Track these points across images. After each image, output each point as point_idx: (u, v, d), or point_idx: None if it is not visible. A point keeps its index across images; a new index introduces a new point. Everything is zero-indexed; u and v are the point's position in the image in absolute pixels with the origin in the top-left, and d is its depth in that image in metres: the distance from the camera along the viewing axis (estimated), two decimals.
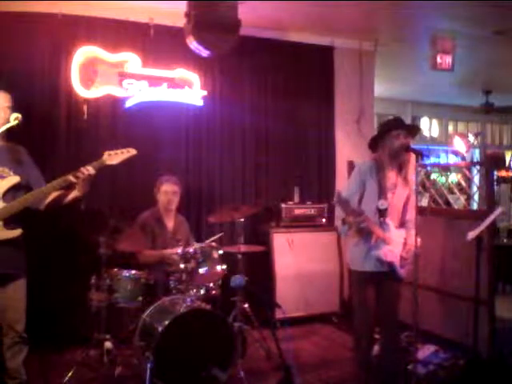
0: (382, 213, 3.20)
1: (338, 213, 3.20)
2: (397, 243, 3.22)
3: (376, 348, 3.48)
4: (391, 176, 3.24)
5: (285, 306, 4.54)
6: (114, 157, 3.11)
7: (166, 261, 3.97)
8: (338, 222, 3.30)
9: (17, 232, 2.89)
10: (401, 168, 3.26)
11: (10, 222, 2.87)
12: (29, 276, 3.06)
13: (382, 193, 3.20)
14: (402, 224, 3.34)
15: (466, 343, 3.98)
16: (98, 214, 3.87)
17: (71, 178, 2.94)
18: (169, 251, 4.01)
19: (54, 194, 3.06)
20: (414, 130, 3.38)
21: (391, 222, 3.23)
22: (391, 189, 3.23)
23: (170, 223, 4.26)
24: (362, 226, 3.11)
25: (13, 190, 2.94)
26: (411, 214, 3.32)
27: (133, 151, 3.17)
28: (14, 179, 2.94)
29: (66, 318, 4.26)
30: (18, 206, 2.87)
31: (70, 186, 3.04)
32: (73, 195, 3.08)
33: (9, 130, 2.98)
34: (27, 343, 3.02)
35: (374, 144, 3.31)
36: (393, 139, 3.18)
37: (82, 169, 2.97)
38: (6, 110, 2.97)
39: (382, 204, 3.19)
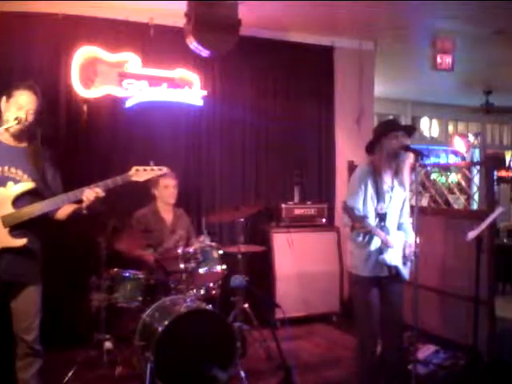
0: (381, 217, 3.19)
1: (344, 221, 3.18)
2: (398, 246, 3.22)
3: (377, 348, 3.47)
4: (387, 179, 3.23)
5: (285, 306, 4.54)
6: (141, 173, 2.89)
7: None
8: (344, 228, 3.28)
9: (22, 241, 2.66)
10: (397, 170, 3.24)
11: (17, 230, 2.65)
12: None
13: (379, 197, 3.19)
14: (399, 226, 3.33)
15: (465, 343, 3.98)
16: (98, 214, 3.85)
17: (81, 195, 2.75)
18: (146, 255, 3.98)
19: (68, 208, 2.84)
20: (410, 129, 3.36)
21: (391, 225, 3.23)
22: (388, 192, 3.22)
23: (168, 217, 4.26)
24: (367, 231, 3.10)
25: (27, 197, 2.70)
26: (406, 217, 3.32)
27: (165, 170, 2.99)
28: (27, 185, 2.71)
29: (66, 318, 4.26)
30: (29, 214, 2.66)
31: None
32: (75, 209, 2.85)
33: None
34: (40, 356, 2.84)
35: (371, 148, 3.29)
36: (391, 140, 3.16)
37: (88, 190, 2.74)
38: (28, 113, 2.78)
39: (381, 208, 3.19)
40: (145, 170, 2.90)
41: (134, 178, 2.87)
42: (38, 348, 2.83)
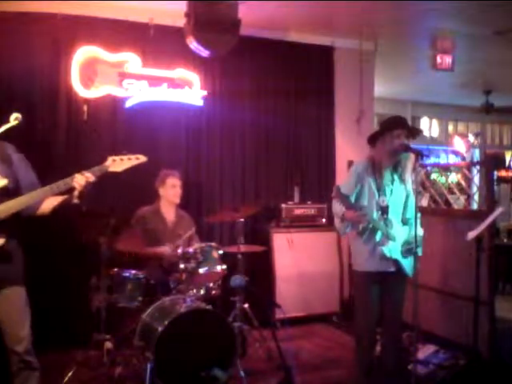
0: (383, 210, 3.20)
1: (335, 210, 3.19)
2: (400, 240, 3.22)
3: (377, 348, 3.47)
4: (387, 174, 3.24)
5: (285, 306, 4.54)
6: (118, 163, 2.72)
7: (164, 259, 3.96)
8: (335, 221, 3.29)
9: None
10: (396, 166, 3.26)
11: None
12: (28, 279, 2.79)
13: (380, 190, 3.20)
14: (405, 222, 3.33)
15: (465, 343, 3.98)
16: (99, 214, 3.85)
17: (72, 182, 2.56)
18: (161, 249, 3.99)
19: (54, 201, 2.68)
20: (415, 131, 3.37)
21: (394, 218, 3.23)
22: (389, 185, 3.24)
23: (170, 217, 4.26)
24: (364, 222, 3.11)
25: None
26: (411, 212, 3.30)
27: (142, 158, 2.80)
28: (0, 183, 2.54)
29: (66, 318, 4.26)
30: (6, 212, 2.48)
31: (69, 191, 2.65)
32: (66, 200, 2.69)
33: (8, 131, 2.92)
34: (35, 369, 2.62)
35: (374, 140, 3.30)
36: (394, 138, 3.17)
37: (79, 175, 2.58)
38: None
39: (383, 201, 3.20)
40: (121, 159, 2.72)
41: (112, 169, 2.70)
42: (32, 360, 2.61)
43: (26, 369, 2.59)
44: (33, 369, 2.62)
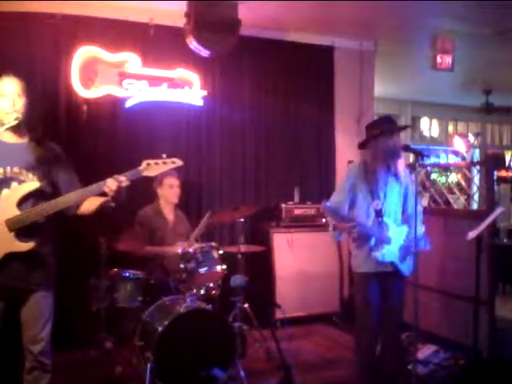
0: (378, 213, 3.20)
1: (328, 219, 3.24)
2: (397, 241, 3.22)
3: (378, 348, 3.47)
4: (381, 175, 3.23)
5: (285, 306, 4.54)
6: (153, 167, 2.62)
7: (165, 259, 3.96)
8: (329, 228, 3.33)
9: (29, 245, 2.45)
10: (389, 166, 3.24)
11: (25, 233, 2.45)
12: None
13: (374, 194, 3.20)
14: (406, 220, 3.32)
15: (465, 343, 3.98)
16: (98, 214, 3.84)
17: (103, 186, 2.54)
18: (168, 249, 4.00)
19: (95, 201, 2.65)
20: (402, 128, 3.39)
21: (390, 220, 3.22)
22: (383, 188, 3.22)
23: (170, 217, 4.27)
24: (355, 233, 3.14)
25: (33, 197, 2.50)
26: (411, 208, 3.25)
27: (178, 162, 2.72)
28: (32, 185, 2.50)
29: (66, 319, 4.25)
30: (39, 214, 2.47)
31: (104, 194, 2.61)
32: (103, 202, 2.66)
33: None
34: (47, 371, 2.61)
35: (365, 144, 3.29)
36: (387, 140, 3.15)
37: (111, 180, 2.55)
38: (16, 99, 2.59)
39: (377, 205, 3.19)
40: (156, 163, 2.63)
41: (146, 173, 2.60)
42: (46, 362, 2.61)
43: (38, 368, 2.59)
44: (46, 371, 2.62)
